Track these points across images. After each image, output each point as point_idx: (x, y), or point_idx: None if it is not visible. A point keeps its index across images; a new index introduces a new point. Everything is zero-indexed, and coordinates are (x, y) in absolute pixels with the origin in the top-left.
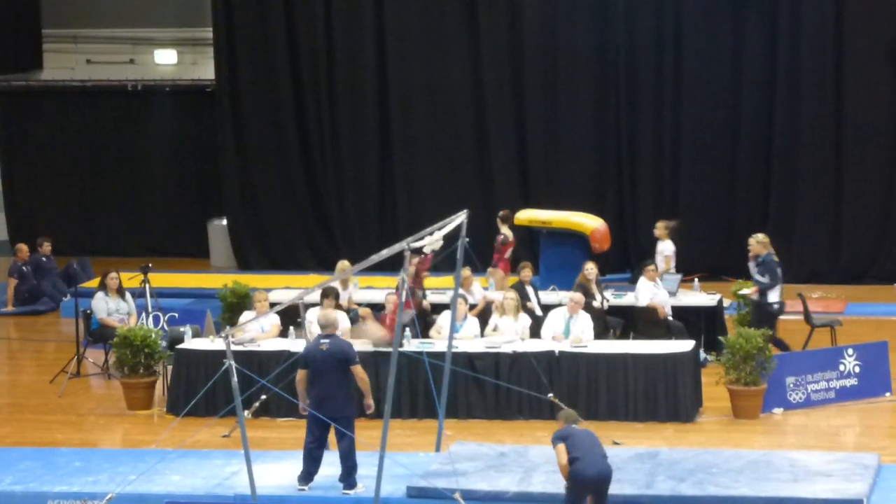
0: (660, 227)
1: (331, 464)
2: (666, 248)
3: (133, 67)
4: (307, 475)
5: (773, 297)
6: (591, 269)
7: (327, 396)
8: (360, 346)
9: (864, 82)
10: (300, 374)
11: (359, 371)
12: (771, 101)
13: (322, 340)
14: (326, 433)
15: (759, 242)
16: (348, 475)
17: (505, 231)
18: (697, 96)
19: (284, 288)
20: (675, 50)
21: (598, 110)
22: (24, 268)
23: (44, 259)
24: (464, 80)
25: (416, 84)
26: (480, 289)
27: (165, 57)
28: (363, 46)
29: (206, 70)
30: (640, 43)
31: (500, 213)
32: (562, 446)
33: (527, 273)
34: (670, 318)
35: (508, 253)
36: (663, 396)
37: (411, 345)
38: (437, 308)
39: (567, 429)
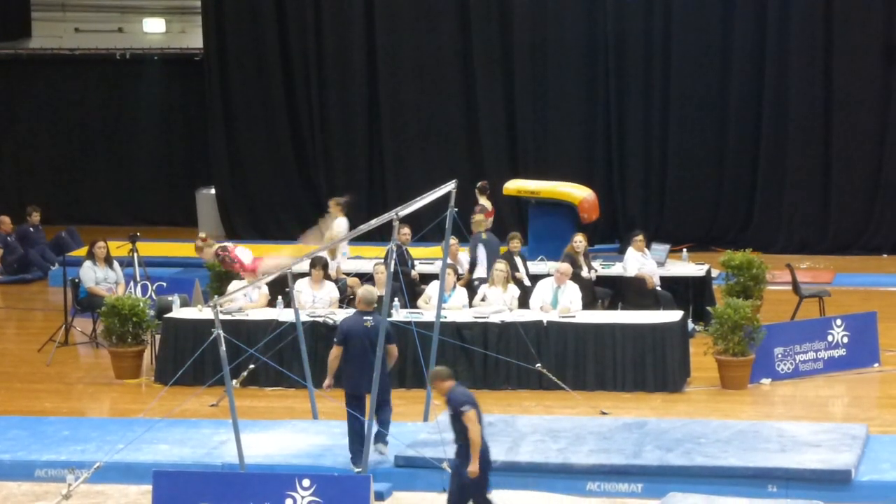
0: (332, 205)
1: (321, 433)
2: (341, 225)
3: (121, 36)
4: (361, 453)
5: (477, 273)
6: (579, 241)
7: (372, 374)
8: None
9: (852, 54)
10: (336, 351)
11: (394, 350)
12: (760, 71)
13: (365, 318)
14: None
15: (475, 222)
16: (382, 437)
17: (483, 201)
18: (686, 67)
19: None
20: (665, 20)
21: (587, 80)
22: (8, 238)
23: (31, 229)
24: (452, 50)
25: (404, 52)
26: (468, 259)
27: (154, 26)
28: (352, 16)
29: (194, 39)
30: (630, 13)
31: (479, 183)
32: (475, 413)
33: (515, 243)
34: (658, 288)
35: (489, 223)
36: (651, 366)
37: (400, 314)
38: (426, 278)
39: (465, 390)
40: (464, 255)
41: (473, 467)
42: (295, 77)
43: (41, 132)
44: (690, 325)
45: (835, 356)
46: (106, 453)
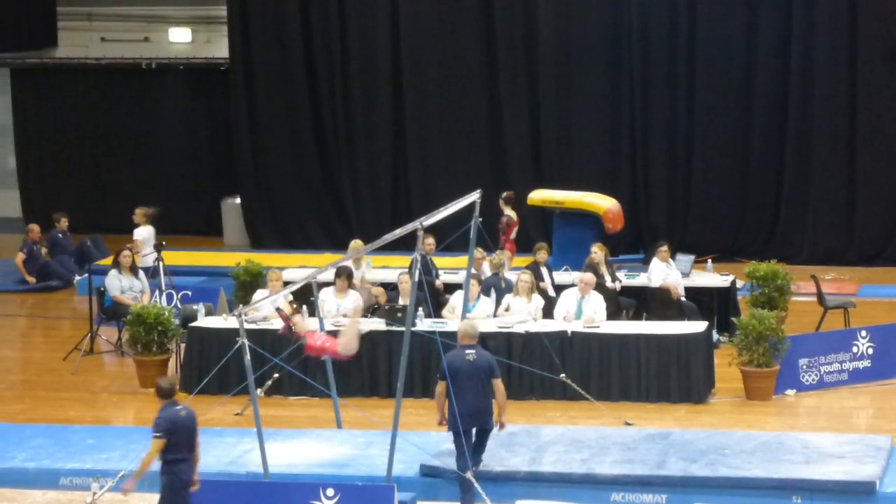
0: (138, 214)
1: (345, 442)
2: (140, 233)
3: (147, 45)
4: (470, 491)
5: (485, 309)
6: (595, 252)
7: (479, 409)
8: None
9: (878, 64)
10: (440, 388)
11: (500, 385)
12: (785, 81)
13: (467, 351)
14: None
15: (493, 264)
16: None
17: (508, 212)
18: (711, 77)
19: (298, 267)
20: (689, 31)
21: (612, 90)
22: (34, 246)
23: (60, 235)
24: (477, 60)
25: (429, 63)
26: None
27: (180, 35)
28: (377, 26)
29: (220, 48)
30: (654, 23)
31: (504, 194)
32: (161, 444)
33: (542, 254)
34: (683, 298)
35: (513, 233)
36: (676, 377)
37: (424, 324)
38: (450, 288)
39: (172, 411)
40: (488, 265)
41: (128, 485)
42: (320, 87)
43: (66, 141)
44: (715, 335)
45: (860, 367)
46: (130, 462)
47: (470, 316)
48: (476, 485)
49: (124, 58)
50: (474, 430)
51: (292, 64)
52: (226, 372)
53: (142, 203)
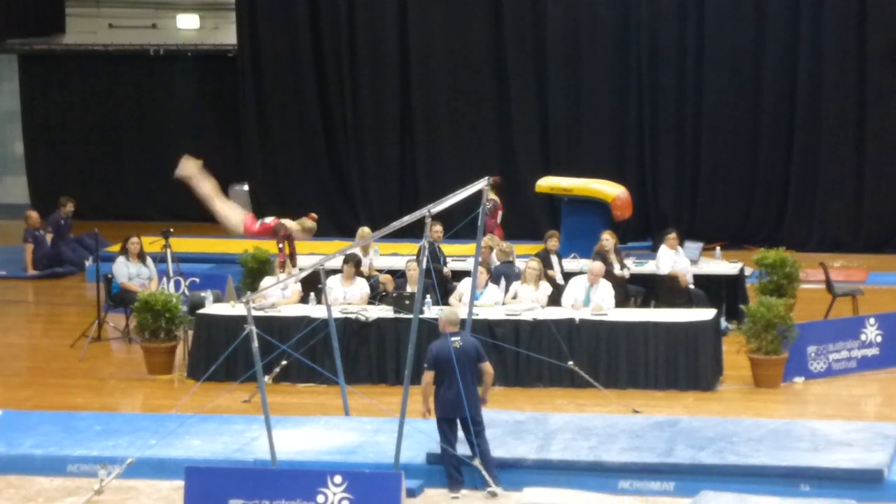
0: None
1: (353, 429)
2: None
3: (155, 32)
4: (457, 481)
5: (493, 296)
6: (607, 239)
7: (468, 396)
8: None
9: (886, 52)
10: (428, 377)
11: (489, 367)
12: (793, 69)
13: (452, 338)
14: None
15: (500, 251)
16: (493, 472)
17: (492, 196)
18: (720, 64)
19: (306, 254)
20: (698, 17)
21: (620, 77)
22: (37, 233)
23: (62, 221)
24: (485, 47)
25: (437, 49)
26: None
27: (187, 22)
28: (385, 13)
29: (227, 35)
30: (663, 10)
31: (490, 179)
32: None
33: (553, 242)
34: (692, 286)
35: (499, 217)
36: (684, 365)
37: (432, 312)
38: (458, 275)
39: None
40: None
41: None
42: (328, 73)
43: (74, 127)
44: (723, 323)
45: (868, 355)
46: (138, 449)
47: (478, 304)
48: (483, 470)
49: (132, 44)
50: (461, 419)
51: (300, 50)
52: (233, 359)
53: (151, 190)
